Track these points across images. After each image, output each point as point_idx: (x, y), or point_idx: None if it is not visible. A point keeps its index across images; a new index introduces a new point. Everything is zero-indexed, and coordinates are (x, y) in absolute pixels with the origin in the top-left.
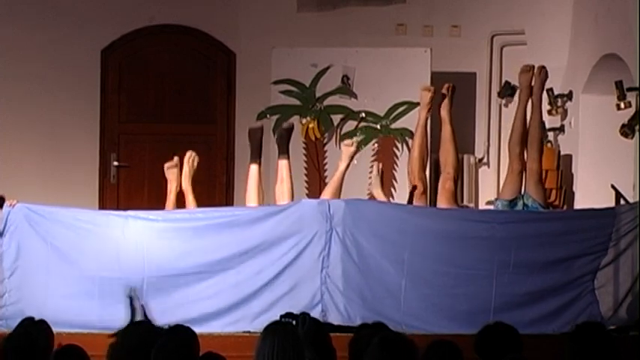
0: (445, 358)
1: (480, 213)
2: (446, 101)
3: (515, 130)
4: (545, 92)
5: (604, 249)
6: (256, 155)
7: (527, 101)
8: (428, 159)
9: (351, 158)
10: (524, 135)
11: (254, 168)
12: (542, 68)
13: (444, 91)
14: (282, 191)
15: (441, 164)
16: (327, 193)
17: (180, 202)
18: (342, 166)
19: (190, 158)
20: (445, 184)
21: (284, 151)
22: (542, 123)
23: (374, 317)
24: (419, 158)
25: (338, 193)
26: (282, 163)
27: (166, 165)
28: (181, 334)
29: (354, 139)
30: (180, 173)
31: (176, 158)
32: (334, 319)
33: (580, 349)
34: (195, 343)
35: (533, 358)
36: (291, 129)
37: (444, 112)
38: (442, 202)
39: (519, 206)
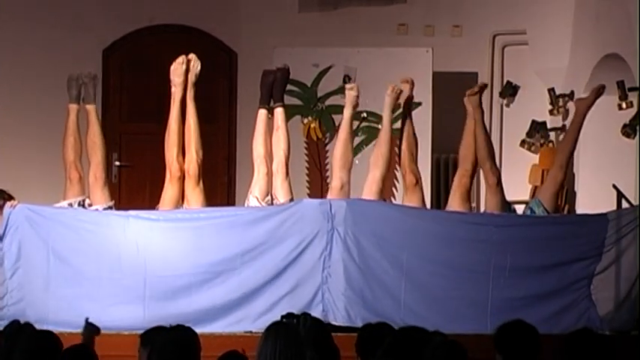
0: (451, 358)
1: (478, 216)
2: (476, 97)
3: (480, 146)
4: (546, 92)
5: (598, 254)
6: (266, 99)
7: (483, 118)
8: (416, 150)
9: (355, 104)
10: (490, 149)
11: (262, 112)
12: (484, 85)
13: (480, 84)
14: (277, 138)
15: (459, 159)
16: (338, 145)
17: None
18: (347, 113)
19: (191, 62)
20: (462, 179)
21: (279, 98)
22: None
23: (374, 317)
24: (407, 150)
25: (349, 142)
26: (278, 111)
27: (173, 66)
28: (182, 334)
29: (355, 83)
30: (187, 77)
31: (183, 57)
32: (335, 319)
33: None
34: (196, 343)
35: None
36: (287, 73)
37: (472, 107)
38: (455, 198)
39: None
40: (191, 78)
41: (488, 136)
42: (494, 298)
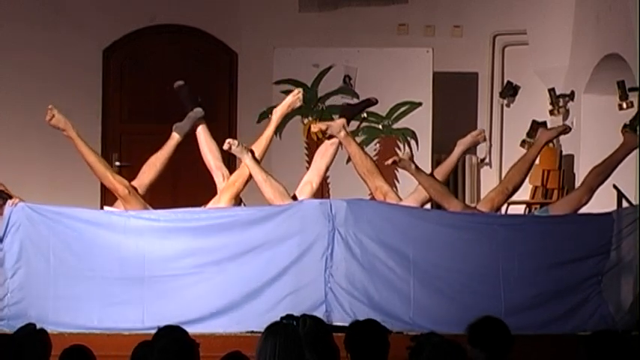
0: (449, 358)
1: (481, 215)
2: (552, 132)
3: (431, 194)
4: (546, 92)
5: (606, 251)
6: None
7: (415, 169)
8: (373, 164)
9: (245, 156)
10: (439, 189)
11: (201, 125)
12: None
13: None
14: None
15: (505, 177)
16: (264, 187)
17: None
18: (246, 161)
19: (298, 93)
20: (498, 195)
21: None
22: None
23: (381, 317)
24: (367, 176)
25: (271, 179)
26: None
27: (50, 120)
28: (180, 334)
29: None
30: (60, 117)
31: (50, 107)
32: (339, 319)
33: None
34: (188, 343)
35: (540, 358)
36: (184, 88)
37: (544, 137)
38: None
39: None
40: (290, 106)
41: (431, 181)
42: (506, 298)
